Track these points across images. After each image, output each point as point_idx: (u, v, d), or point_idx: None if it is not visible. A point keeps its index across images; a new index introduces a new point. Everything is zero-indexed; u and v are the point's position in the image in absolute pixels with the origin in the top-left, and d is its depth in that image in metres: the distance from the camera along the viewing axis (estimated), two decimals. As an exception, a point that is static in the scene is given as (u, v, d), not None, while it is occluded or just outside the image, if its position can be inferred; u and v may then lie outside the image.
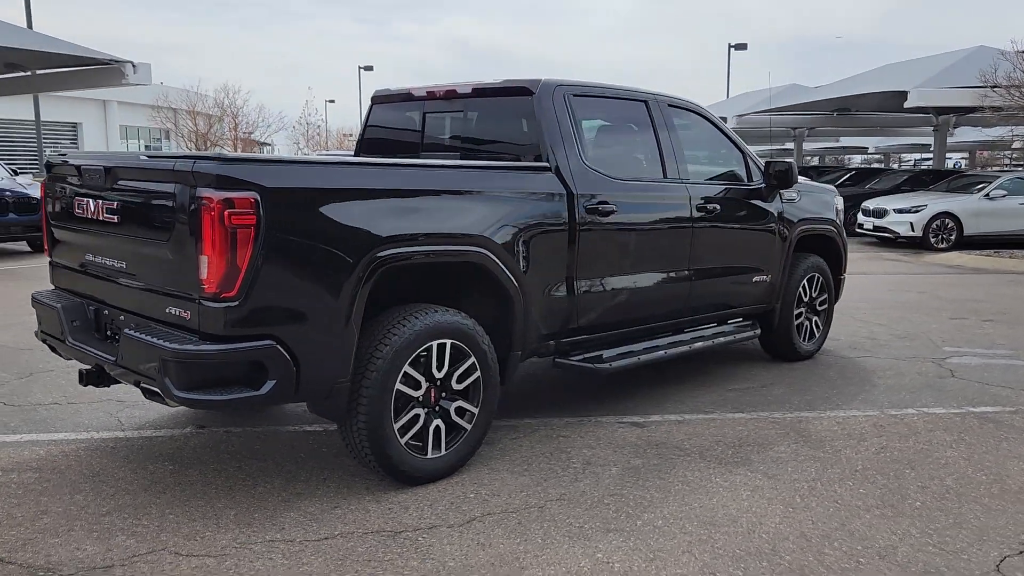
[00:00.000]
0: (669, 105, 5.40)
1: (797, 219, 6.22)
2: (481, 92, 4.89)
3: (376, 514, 3.64)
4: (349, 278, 3.53)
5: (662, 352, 5.18)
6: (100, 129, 45.28)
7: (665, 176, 5.20)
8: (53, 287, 4.42)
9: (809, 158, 57.61)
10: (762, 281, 5.97)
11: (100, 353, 3.75)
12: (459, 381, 4.03)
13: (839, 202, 6.88)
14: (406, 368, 3.78)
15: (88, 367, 3.96)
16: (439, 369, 3.94)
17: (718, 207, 5.47)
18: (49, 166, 4.26)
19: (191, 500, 3.76)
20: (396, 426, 3.79)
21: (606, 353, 4.92)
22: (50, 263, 4.41)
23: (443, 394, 4.00)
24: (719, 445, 4.58)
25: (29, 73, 13.90)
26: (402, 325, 3.77)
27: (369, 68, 44.24)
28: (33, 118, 42.20)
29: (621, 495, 3.89)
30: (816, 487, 4.01)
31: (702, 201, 5.34)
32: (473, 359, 4.06)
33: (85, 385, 4.00)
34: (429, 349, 3.87)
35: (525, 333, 4.37)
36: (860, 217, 17.70)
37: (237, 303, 3.27)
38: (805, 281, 6.43)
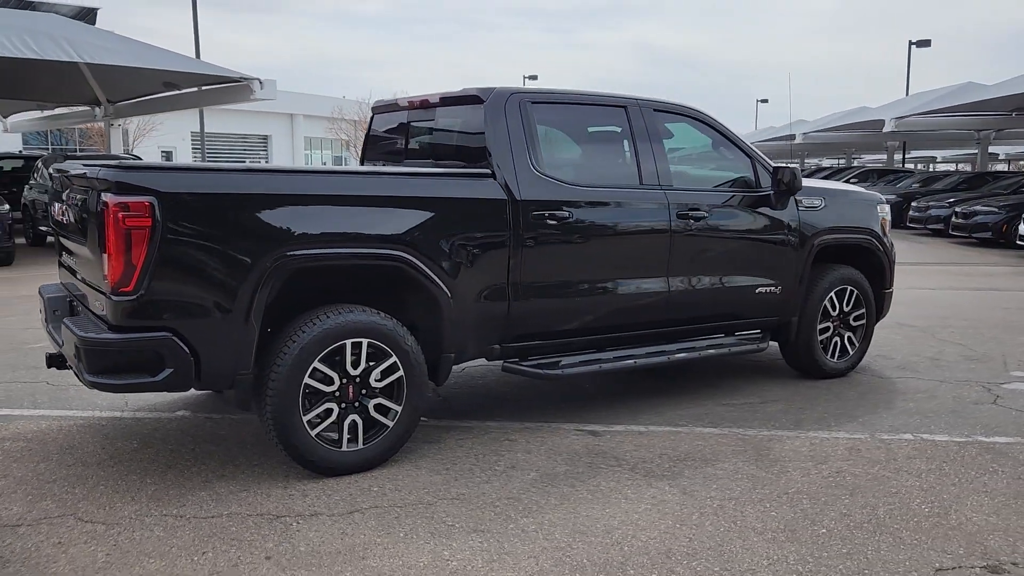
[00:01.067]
0: (655, 110, 5.30)
1: (819, 228, 5.89)
2: (446, 101, 5.04)
3: (275, 498, 3.88)
4: (247, 278, 3.80)
5: (631, 362, 5.10)
6: (287, 141, 49.02)
7: (641, 183, 5.12)
8: (60, 282, 5.01)
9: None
10: (769, 292, 5.70)
11: (58, 339, 4.24)
12: (379, 379, 4.20)
13: (884, 211, 6.42)
14: (316, 364, 4.00)
15: (53, 351, 4.48)
16: (355, 367, 4.13)
17: (706, 214, 5.30)
18: (51, 176, 4.84)
19: (127, 475, 4.17)
20: (305, 418, 4.01)
21: (565, 360, 4.92)
22: (58, 261, 5.01)
23: (363, 391, 4.19)
24: (661, 458, 4.47)
25: (192, 90, 15.42)
26: (311, 323, 4.00)
27: (534, 77, 45.06)
28: (232, 131, 46.47)
29: (518, 499, 3.91)
30: (726, 506, 3.85)
31: (685, 208, 5.20)
32: (395, 358, 4.21)
33: (49, 367, 4.53)
34: (343, 347, 4.07)
35: (458, 336, 4.47)
36: (1022, 228, 16.10)
37: (134, 297, 3.62)
38: (833, 294, 6.06)
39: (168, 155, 45.22)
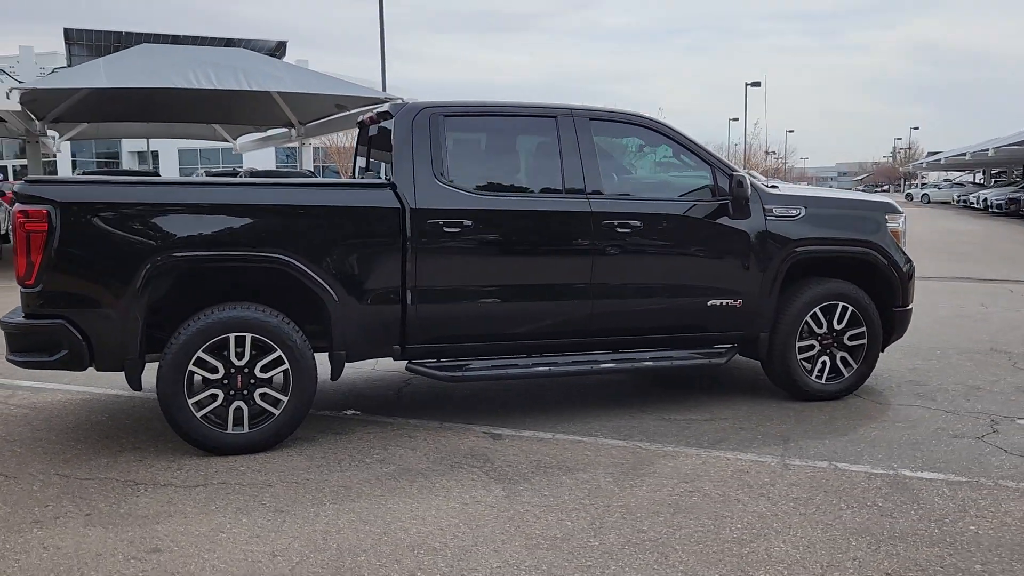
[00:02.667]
0: (592, 119, 5.30)
1: (795, 238, 5.53)
2: (380, 116, 5.39)
3: (154, 469, 4.43)
4: (131, 276, 4.39)
5: (545, 369, 5.13)
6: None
7: (564, 192, 5.14)
8: None
9: None
10: (726, 305, 5.44)
11: None
12: (264, 371, 4.64)
13: (895, 221, 5.86)
14: (200, 354, 4.51)
15: None
16: (239, 358, 4.59)
17: (639, 224, 5.21)
18: None
19: (69, 440, 4.91)
20: (191, 401, 4.53)
21: (475, 363, 5.07)
22: None
23: (251, 381, 4.64)
24: (530, 464, 4.50)
25: (357, 111, 16.89)
26: (196, 317, 4.53)
27: (756, 84, 43.60)
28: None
29: (348, 488, 4.17)
30: (530, 512, 3.86)
31: (613, 217, 5.15)
32: (279, 352, 4.63)
33: None
34: (227, 340, 4.55)
35: (348, 336, 4.79)
36: None
37: (36, 290, 4.34)
38: (818, 310, 5.63)
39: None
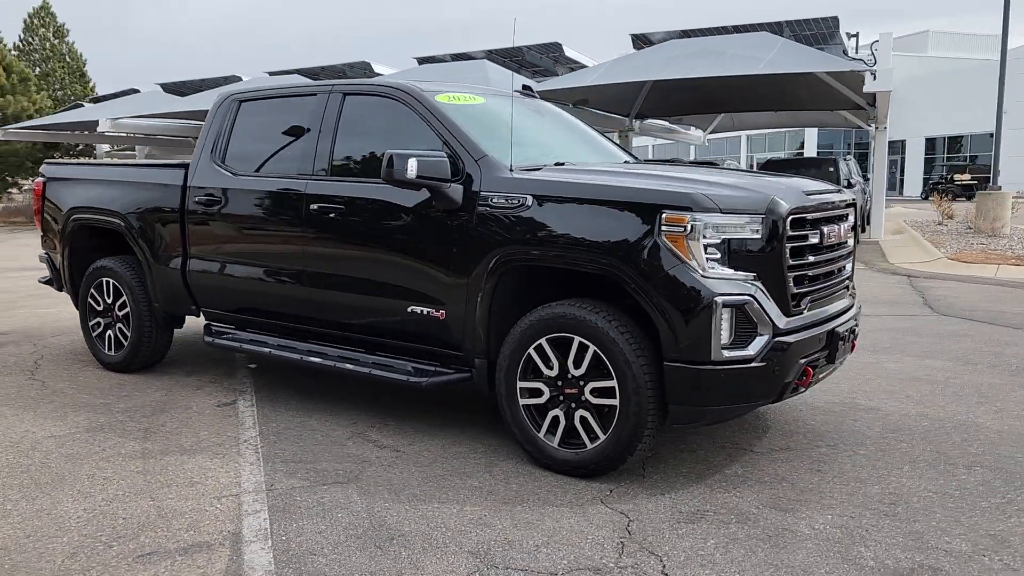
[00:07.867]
0: (347, 95, 4.93)
1: (502, 238, 4.11)
2: None
3: (56, 376, 6.23)
4: (62, 228, 6.27)
5: (267, 351, 5.13)
6: None
7: (296, 171, 4.99)
8: None
9: None
10: (425, 314, 4.40)
11: None
12: (120, 309, 6.01)
13: (675, 223, 3.66)
14: (91, 291, 6.16)
15: None
16: (107, 297, 6.06)
17: (343, 207, 4.70)
18: None
19: (73, 358, 7.07)
20: (90, 323, 6.22)
21: (240, 334, 5.42)
22: None
23: (118, 316, 6.07)
24: (173, 424, 4.83)
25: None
26: (90, 265, 6.16)
27: None
28: None
29: (65, 407, 5.29)
30: (73, 450, 4.45)
31: (321, 200, 4.78)
32: (124, 296, 5.95)
33: None
34: (102, 283, 6.08)
35: (156, 292, 5.75)
36: None
37: (41, 235, 6.60)
38: (544, 342, 4.03)
39: None
